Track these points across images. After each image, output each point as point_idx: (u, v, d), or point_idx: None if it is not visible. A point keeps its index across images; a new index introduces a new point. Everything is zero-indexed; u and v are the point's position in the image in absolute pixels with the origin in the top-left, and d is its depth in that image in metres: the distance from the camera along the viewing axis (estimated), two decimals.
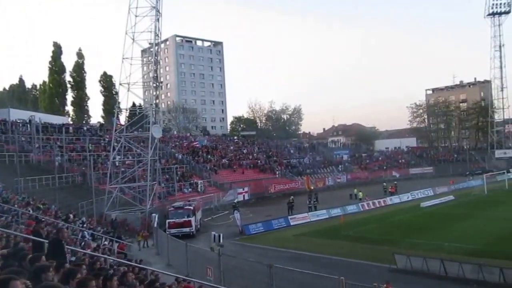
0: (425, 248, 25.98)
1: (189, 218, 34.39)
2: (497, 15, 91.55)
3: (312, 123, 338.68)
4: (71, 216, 27.68)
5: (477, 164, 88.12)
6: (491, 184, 56.81)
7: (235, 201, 47.39)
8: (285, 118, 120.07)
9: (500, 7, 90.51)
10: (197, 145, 65.53)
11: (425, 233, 31.39)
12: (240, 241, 32.30)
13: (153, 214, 34.87)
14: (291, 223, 37.47)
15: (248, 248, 29.81)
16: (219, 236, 24.49)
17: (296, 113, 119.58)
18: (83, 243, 18.27)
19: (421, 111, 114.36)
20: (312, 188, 60.19)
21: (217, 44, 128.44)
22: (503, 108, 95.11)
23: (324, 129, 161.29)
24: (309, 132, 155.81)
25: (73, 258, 11.94)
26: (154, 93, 42.00)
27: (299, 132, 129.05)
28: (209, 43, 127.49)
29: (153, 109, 41.16)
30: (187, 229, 33.90)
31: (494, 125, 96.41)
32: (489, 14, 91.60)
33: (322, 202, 46.34)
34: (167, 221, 34.29)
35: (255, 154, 69.50)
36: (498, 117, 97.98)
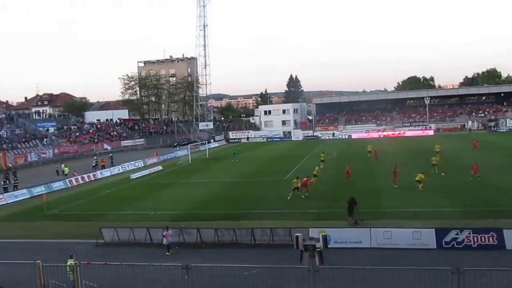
0: (133, 219, 26.57)
1: None
2: None
3: (11, 91, 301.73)
4: None
5: (184, 135, 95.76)
6: (195, 154, 63.00)
7: None
8: None
9: None
10: None
11: (133, 204, 32.08)
12: None
13: None
14: None
15: None
16: None
17: None
18: None
19: (133, 83, 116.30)
20: (10, 165, 53.59)
21: None
22: (205, 84, 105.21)
23: (26, 98, 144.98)
24: (7, 101, 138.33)
25: None
26: None
27: None
28: None
29: None
30: None
31: (198, 99, 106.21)
32: None
33: (24, 181, 41.82)
34: None
35: None
36: (202, 92, 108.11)
